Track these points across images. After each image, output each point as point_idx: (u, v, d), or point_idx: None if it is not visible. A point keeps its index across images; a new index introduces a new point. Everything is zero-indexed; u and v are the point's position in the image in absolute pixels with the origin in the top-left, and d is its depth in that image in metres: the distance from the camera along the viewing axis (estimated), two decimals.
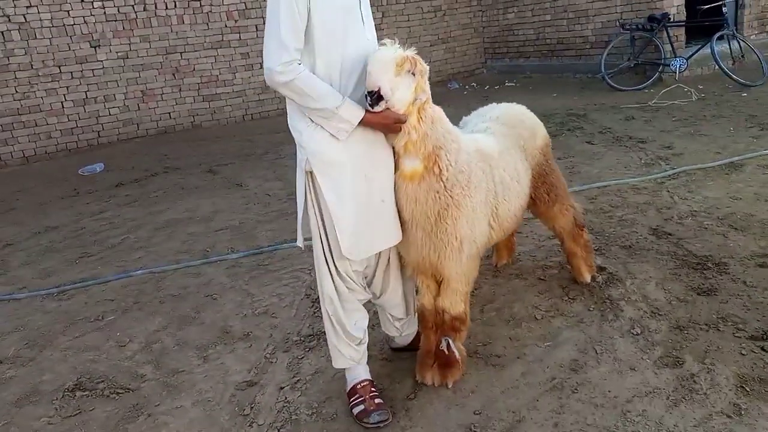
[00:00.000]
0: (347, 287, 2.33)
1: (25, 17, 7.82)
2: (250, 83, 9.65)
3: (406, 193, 2.25)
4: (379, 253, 2.44)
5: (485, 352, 2.72)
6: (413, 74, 2.10)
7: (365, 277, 2.45)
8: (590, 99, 8.07)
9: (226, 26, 9.39)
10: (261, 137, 8.34)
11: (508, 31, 10.79)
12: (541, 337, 2.77)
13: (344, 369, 2.50)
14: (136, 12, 8.74)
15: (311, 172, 2.18)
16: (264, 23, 2.11)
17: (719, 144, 5.32)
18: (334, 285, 2.32)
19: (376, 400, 2.37)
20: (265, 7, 2.08)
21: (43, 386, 2.89)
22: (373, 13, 2.31)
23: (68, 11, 8.13)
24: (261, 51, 2.18)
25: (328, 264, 2.29)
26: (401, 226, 2.34)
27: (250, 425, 2.45)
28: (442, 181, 2.24)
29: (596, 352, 2.60)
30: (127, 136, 8.98)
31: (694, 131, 5.85)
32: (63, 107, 8.35)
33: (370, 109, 2.05)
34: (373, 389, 2.42)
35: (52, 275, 4.29)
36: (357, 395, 2.39)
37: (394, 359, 2.78)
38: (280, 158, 6.89)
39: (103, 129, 8.82)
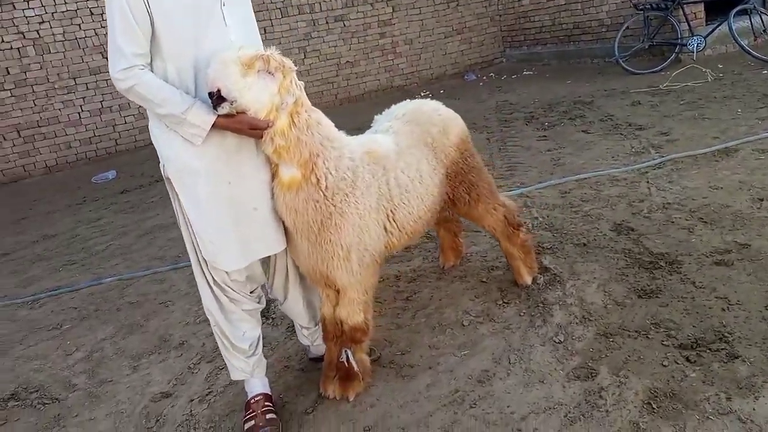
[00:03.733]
0: (228, 297, 2.25)
1: (38, 32, 8.11)
2: None
3: (285, 203, 2.14)
4: (275, 259, 2.35)
5: (401, 362, 2.59)
6: (272, 74, 1.99)
7: (260, 285, 2.38)
8: (602, 84, 7.68)
9: None
10: None
11: (525, 18, 10.42)
12: (461, 345, 2.62)
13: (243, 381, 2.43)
14: None
15: (170, 179, 2.12)
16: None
17: (720, 128, 4.93)
18: (214, 295, 2.25)
19: (268, 416, 2.28)
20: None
21: None
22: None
23: (79, 24, 8.38)
24: None
25: (204, 274, 2.22)
26: (289, 234, 2.25)
27: None
28: (321, 190, 2.12)
29: (510, 361, 2.43)
30: (144, 143, 9.19)
31: (698, 115, 5.44)
32: (80, 117, 8.62)
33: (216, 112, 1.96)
34: (267, 404, 2.34)
35: (33, 284, 4.41)
36: (250, 410, 2.32)
37: (310, 370, 2.70)
38: None
39: (120, 137, 9.06)
